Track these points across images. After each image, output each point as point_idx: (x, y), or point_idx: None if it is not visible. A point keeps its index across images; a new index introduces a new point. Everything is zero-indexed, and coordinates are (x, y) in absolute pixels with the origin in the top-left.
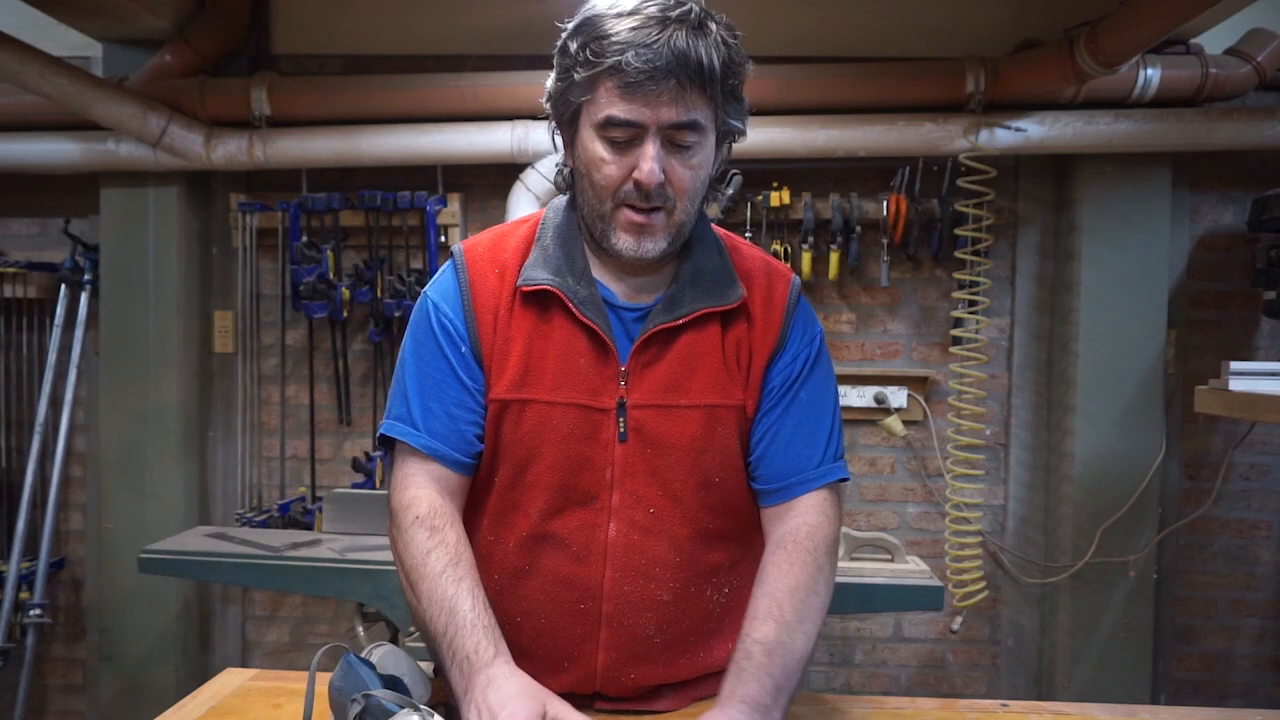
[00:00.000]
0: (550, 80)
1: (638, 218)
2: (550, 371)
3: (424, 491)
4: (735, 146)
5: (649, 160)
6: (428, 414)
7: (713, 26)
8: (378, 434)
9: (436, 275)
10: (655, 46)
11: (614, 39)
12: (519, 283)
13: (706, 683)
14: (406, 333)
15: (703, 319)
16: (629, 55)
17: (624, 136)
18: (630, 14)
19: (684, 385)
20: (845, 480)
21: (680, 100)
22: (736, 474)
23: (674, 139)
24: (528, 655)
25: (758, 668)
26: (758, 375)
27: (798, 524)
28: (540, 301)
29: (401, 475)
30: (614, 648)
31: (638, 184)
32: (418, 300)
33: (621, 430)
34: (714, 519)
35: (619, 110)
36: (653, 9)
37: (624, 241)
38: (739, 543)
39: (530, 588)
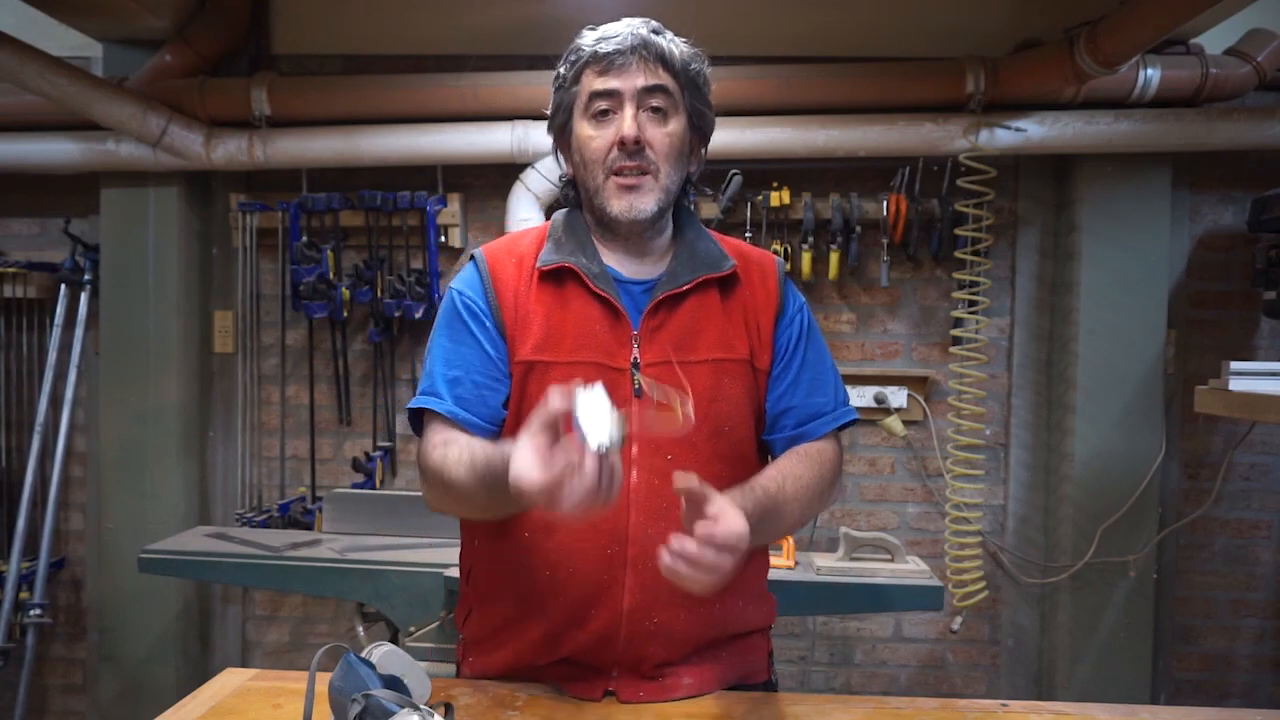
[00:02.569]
0: (549, 110)
1: (625, 180)
2: (569, 337)
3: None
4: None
5: (628, 119)
6: (454, 384)
7: (669, 34)
8: (406, 408)
9: (459, 274)
10: (622, 35)
11: (589, 40)
12: (538, 264)
13: (724, 661)
14: (434, 324)
15: (703, 286)
16: (601, 44)
17: (606, 106)
18: (602, 28)
19: (691, 344)
20: (854, 420)
21: (647, 70)
22: (744, 424)
23: (647, 104)
24: (555, 604)
25: (765, 502)
26: (768, 334)
27: (812, 443)
28: (557, 279)
29: (429, 441)
30: (639, 590)
31: (621, 143)
32: (444, 297)
33: (637, 387)
34: (724, 467)
35: (598, 84)
36: (619, 22)
37: (617, 205)
38: None
39: (559, 539)
